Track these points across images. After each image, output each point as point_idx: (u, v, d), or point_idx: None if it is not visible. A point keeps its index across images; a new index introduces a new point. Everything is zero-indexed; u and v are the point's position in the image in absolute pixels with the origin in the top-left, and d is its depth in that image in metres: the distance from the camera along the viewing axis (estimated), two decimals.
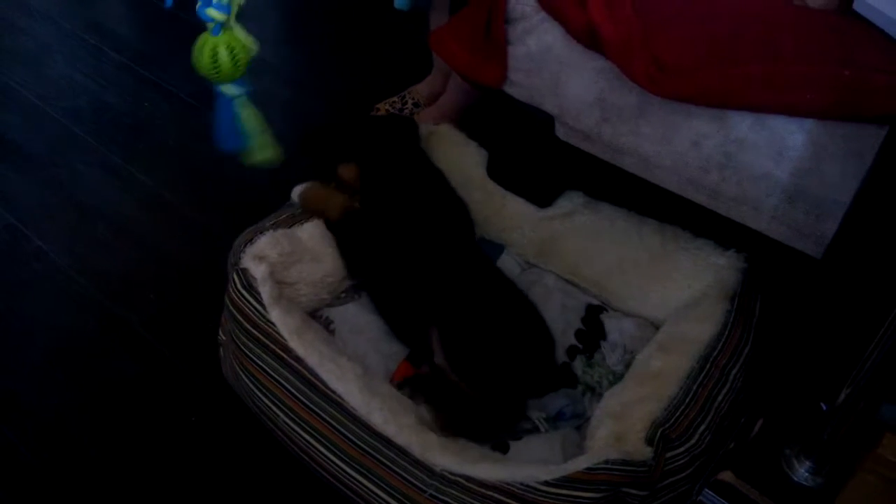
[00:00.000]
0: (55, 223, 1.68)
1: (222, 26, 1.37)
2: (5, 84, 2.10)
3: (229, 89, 1.42)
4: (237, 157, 1.44)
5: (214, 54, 1.37)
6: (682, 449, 1.05)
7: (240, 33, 1.38)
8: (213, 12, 1.35)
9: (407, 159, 1.42)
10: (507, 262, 1.47)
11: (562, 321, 1.36)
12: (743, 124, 1.12)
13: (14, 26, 2.35)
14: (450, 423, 1.12)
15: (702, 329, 1.21)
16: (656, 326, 1.33)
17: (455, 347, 1.20)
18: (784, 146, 1.10)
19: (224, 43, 1.37)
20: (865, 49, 1.09)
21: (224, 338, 1.30)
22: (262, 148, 1.46)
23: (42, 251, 1.61)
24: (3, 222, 1.66)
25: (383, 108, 1.89)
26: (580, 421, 1.23)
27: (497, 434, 1.18)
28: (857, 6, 1.12)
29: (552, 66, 1.27)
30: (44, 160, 1.85)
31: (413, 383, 1.20)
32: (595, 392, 1.27)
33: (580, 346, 1.33)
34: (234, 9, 1.38)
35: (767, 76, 1.09)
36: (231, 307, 1.23)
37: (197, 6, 1.36)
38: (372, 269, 1.35)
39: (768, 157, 1.12)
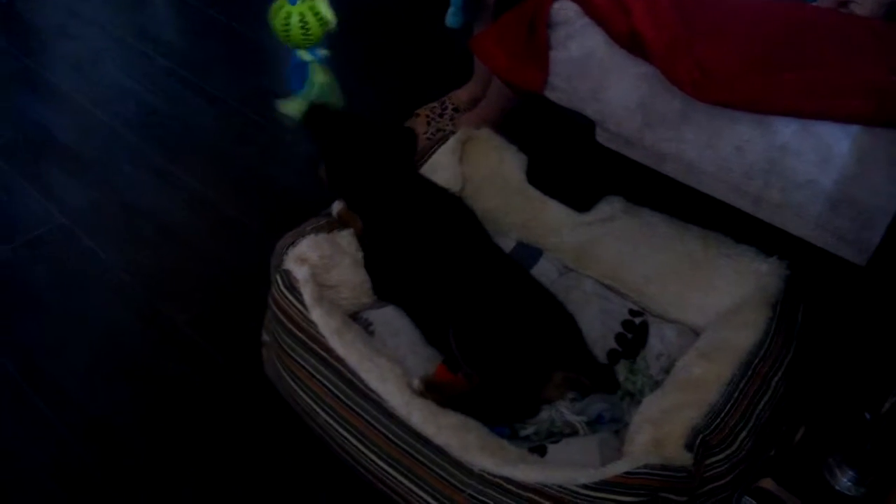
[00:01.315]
0: (103, 224, 1.73)
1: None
2: (57, 88, 2.16)
3: (303, 54, 1.48)
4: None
5: (287, 20, 1.43)
6: (722, 455, 1.04)
7: (321, 4, 1.43)
8: None
9: (394, 176, 1.42)
10: (544, 267, 1.47)
11: (600, 325, 1.36)
12: (787, 130, 1.11)
13: (66, 33, 2.42)
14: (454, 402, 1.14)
15: (743, 336, 1.20)
16: (696, 333, 1.33)
17: (464, 336, 1.22)
18: (829, 153, 1.09)
19: (298, 12, 1.42)
20: None
21: (267, 337, 1.33)
22: (304, 104, 1.50)
23: (91, 250, 1.65)
24: (54, 222, 1.72)
25: (423, 112, 1.91)
26: (619, 426, 1.23)
27: (505, 419, 1.19)
28: None
29: (594, 71, 1.28)
30: (93, 162, 1.90)
31: (437, 390, 1.20)
32: (634, 398, 1.26)
33: (620, 349, 1.33)
34: None
35: (812, 83, 1.08)
36: (274, 307, 1.26)
37: None
38: (394, 287, 1.37)
39: (813, 164, 1.11)
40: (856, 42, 1.14)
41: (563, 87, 1.33)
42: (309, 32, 1.44)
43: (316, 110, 1.46)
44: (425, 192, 1.41)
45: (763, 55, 1.13)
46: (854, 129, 1.06)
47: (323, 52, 1.52)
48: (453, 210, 1.41)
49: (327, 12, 1.44)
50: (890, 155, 1.05)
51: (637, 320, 1.37)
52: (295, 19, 1.42)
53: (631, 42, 1.20)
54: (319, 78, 1.54)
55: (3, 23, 2.46)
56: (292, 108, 1.60)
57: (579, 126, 1.36)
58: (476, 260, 1.35)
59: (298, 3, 1.42)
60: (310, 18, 1.42)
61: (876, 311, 0.92)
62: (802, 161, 1.12)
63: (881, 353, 0.91)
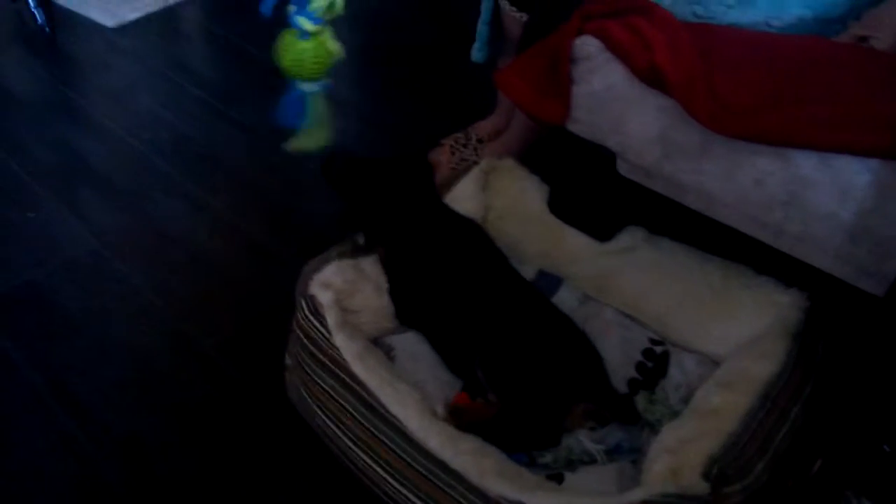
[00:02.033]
0: (135, 248, 1.77)
1: (311, 35, 1.42)
2: (93, 117, 2.23)
3: (309, 86, 1.49)
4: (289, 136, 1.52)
5: (298, 59, 1.43)
6: (738, 486, 1.04)
7: (328, 39, 1.44)
8: (304, 22, 1.38)
9: (416, 207, 1.43)
10: (565, 296, 1.48)
11: (620, 353, 1.36)
12: (807, 163, 1.13)
13: (104, 63, 2.51)
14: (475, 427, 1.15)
15: (762, 367, 1.20)
16: (716, 363, 1.33)
17: (491, 364, 1.24)
18: (848, 185, 1.10)
19: (311, 50, 1.43)
20: None
21: (290, 361, 1.35)
22: (313, 135, 1.51)
23: (122, 274, 1.70)
24: (87, 246, 1.77)
25: (448, 143, 1.95)
26: (637, 455, 1.23)
27: (525, 447, 1.19)
28: None
29: (615, 104, 1.31)
30: (126, 188, 1.95)
31: (459, 415, 1.21)
32: (653, 428, 1.26)
33: (640, 378, 1.33)
34: (329, 17, 1.41)
35: (831, 117, 1.10)
36: (298, 331, 1.29)
37: (290, 10, 1.42)
38: (416, 314, 1.38)
39: (832, 197, 1.12)
40: (875, 77, 1.15)
41: (585, 119, 1.36)
42: (319, 68, 1.47)
43: (332, 160, 1.49)
44: (447, 222, 1.43)
45: (782, 89, 1.15)
46: (873, 162, 1.07)
47: (326, 82, 1.55)
48: (473, 238, 1.43)
49: (334, 45, 1.47)
50: None
51: (658, 349, 1.37)
52: (309, 58, 1.44)
53: (651, 76, 1.23)
54: (319, 108, 1.56)
55: (44, 54, 2.55)
56: (303, 143, 1.62)
57: (601, 157, 1.39)
58: (498, 288, 1.37)
59: (310, 38, 1.44)
60: (321, 54, 1.44)
61: (892, 342, 0.93)
62: (822, 194, 1.13)
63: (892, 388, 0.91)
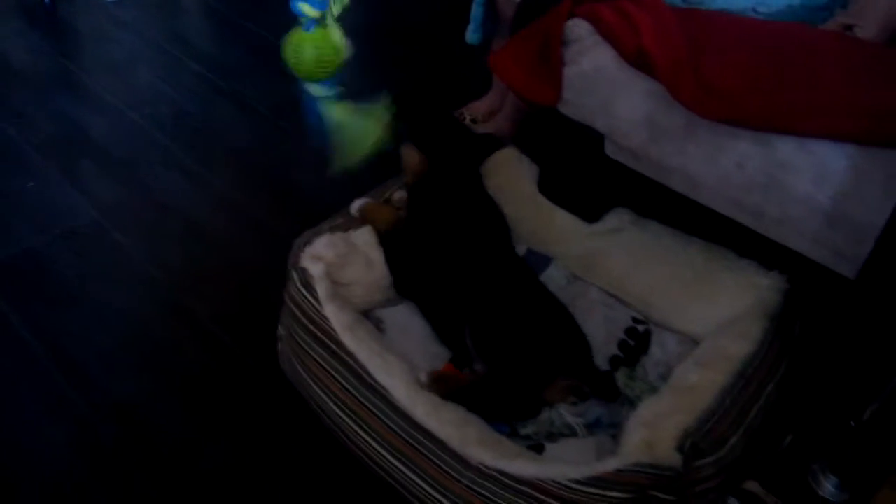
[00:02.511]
0: (134, 219, 1.81)
1: (316, 23, 1.37)
2: (94, 90, 2.26)
3: (315, 89, 1.43)
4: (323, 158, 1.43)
5: (298, 50, 1.38)
6: (711, 459, 1.08)
7: (335, 34, 1.37)
8: (305, 7, 1.35)
9: (461, 176, 1.47)
10: (553, 275, 1.52)
11: (604, 332, 1.40)
12: (786, 147, 1.15)
13: (104, 36, 2.53)
14: (456, 394, 1.19)
15: (740, 346, 1.23)
16: (697, 342, 1.36)
17: (480, 333, 1.28)
18: (826, 170, 1.13)
19: (312, 41, 1.37)
20: None
21: (282, 332, 1.39)
22: (347, 151, 1.48)
23: (120, 244, 1.73)
24: (87, 217, 1.80)
25: None
26: (616, 430, 1.27)
27: (506, 417, 1.24)
28: None
29: (604, 87, 1.33)
30: (126, 161, 1.98)
31: (442, 381, 1.25)
32: (633, 404, 1.30)
33: (622, 355, 1.37)
34: (334, 7, 1.37)
35: (810, 102, 1.12)
36: (289, 303, 1.32)
37: None
38: (415, 282, 1.42)
39: (810, 181, 1.15)
40: (856, 65, 1.18)
41: (575, 101, 1.39)
42: (323, 64, 1.40)
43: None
44: (474, 196, 1.46)
45: (764, 75, 1.17)
46: (850, 147, 1.10)
47: (339, 89, 1.47)
48: (489, 216, 1.46)
49: (340, 41, 1.40)
50: (884, 173, 1.09)
51: (640, 328, 1.41)
52: (309, 49, 1.39)
53: (639, 60, 1.25)
54: (341, 116, 1.49)
55: (45, 27, 2.57)
56: (346, 157, 1.51)
57: (589, 139, 1.41)
58: (496, 265, 1.41)
59: (313, 29, 1.38)
60: (324, 46, 1.38)
61: (861, 323, 0.96)
62: (800, 178, 1.16)
63: (864, 363, 0.95)
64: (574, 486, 1.03)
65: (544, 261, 1.54)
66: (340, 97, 1.43)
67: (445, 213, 1.44)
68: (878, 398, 0.90)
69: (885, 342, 0.92)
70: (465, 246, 1.41)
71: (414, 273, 1.42)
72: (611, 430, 1.27)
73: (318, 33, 1.39)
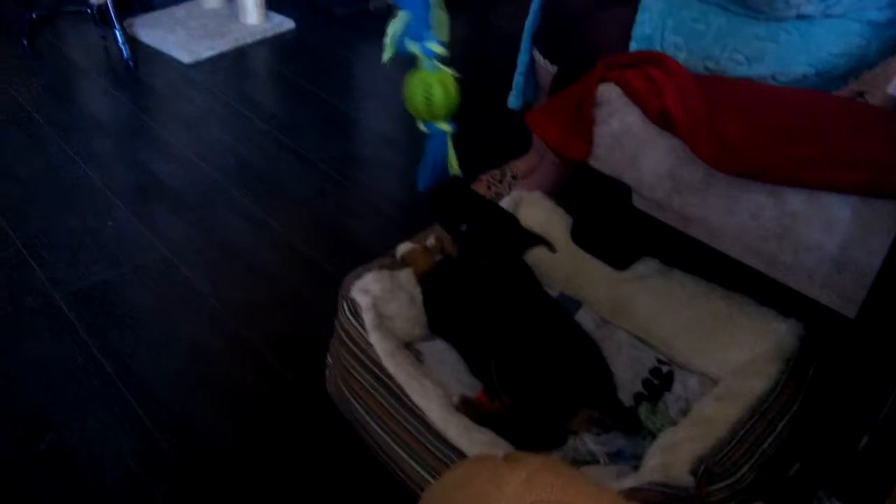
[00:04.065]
0: (200, 258, 1.97)
1: (439, 65, 1.45)
2: (168, 142, 2.47)
3: (442, 125, 1.50)
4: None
5: (428, 91, 1.46)
6: (723, 484, 1.15)
7: (450, 73, 1.45)
8: (435, 46, 1.44)
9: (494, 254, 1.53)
10: (583, 318, 1.62)
11: (630, 371, 1.49)
12: (797, 199, 1.25)
13: (181, 95, 2.76)
14: (489, 422, 1.28)
15: (756, 384, 1.31)
16: (716, 383, 1.44)
17: (504, 367, 1.37)
18: (833, 220, 1.22)
19: (439, 80, 1.45)
20: None
21: (330, 360, 1.51)
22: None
23: (187, 279, 1.89)
24: (157, 254, 1.97)
25: (485, 178, 2.11)
26: (637, 461, 1.34)
27: (533, 446, 1.31)
28: None
29: (631, 144, 1.45)
30: (195, 205, 2.16)
31: (471, 407, 1.35)
32: (655, 437, 1.38)
33: (646, 393, 1.45)
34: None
35: (818, 157, 1.23)
36: (339, 330, 1.45)
37: (411, 44, 1.39)
38: (446, 324, 1.53)
39: (819, 230, 1.24)
40: (862, 124, 1.28)
41: (605, 157, 1.51)
42: (451, 98, 1.45)
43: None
44: (506, 273, 1.52)
45: (777, 134, 1.28)
46: (853, 199, 1.20)
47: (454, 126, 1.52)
48: (519, 273, 1.55)
49: (453, 78, 1.46)
50: (889, 223, 1.18)
51: (664, 368, 1.50)
52: (438, 89, 1.45)
53: (662, 119, 1.37)
54: (454, 161, 1.51)
55: (127, 85, 2.82)
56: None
57: (618, 191, 1.53)
58: (525, 306, 1.50)
59: (438, 71, 1.44)
60: (448, 81, 1.44)
61: (858, 359, 1.04)
62: (810, 227, 1.25)
63: (860, 396, 1.03)
64: None
65: (575, 305, 1.65)
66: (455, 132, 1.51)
67: (478, 278, 1.51)
68: (872, 429, 0.98)
69: (878, 376, 1.00)
70: (492, 295, 1.49)
71: (446, 316, 1.53)
72: (633, 461, 1.34)
73: (441, 73, 1.48)
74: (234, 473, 1.44)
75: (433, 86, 1.46)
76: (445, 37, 1.55)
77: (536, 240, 1.50)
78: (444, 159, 1.57)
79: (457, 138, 1.82)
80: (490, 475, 0.67)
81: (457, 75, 1.46)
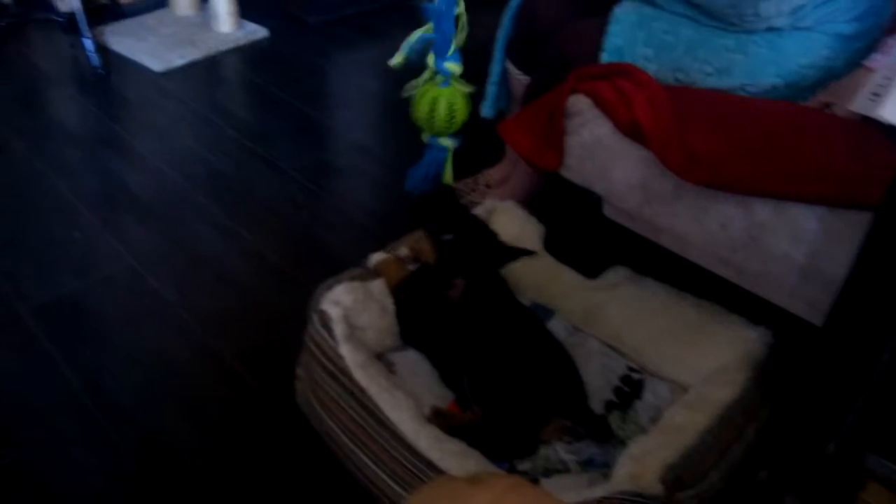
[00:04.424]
0: (168, 267, 1.94)
1: (451, 79, 1.46)
2: (138, 151, 2.44)
3: (445, 141, 1.51)
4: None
5: (433, 106, 1.47)
6: (692, 491, 1.16)
7: (461, 89, 1.47)
8: (452, 66, 1.45)
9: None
10: (555, 326, 1.62)
11: (601, 379, 1.49)
12: (765, 210, 1.27)
13: (151, 104, 2.74)
14: (460, 432, 1.28)
15: (724, 392, 1.32)
16: (686, 390, 1.45)
17: (476, 378, 1.37)
18: (801, 230, 1.24)
19: (446, 97, 1.46)
20: (874, 148, 1.23)
21: (301, 372, 1.50)
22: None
23: (154, 290, 1.87)
24: (125, 264, 1.94)
25: (458, 187, 2.11)
26: (608, 469, 1.35)
27: (505, 455, 1.32)
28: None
29: (602, 154, 1.46)
30: (163, 215, 2.14)
31: (443, 418, 1.34)
32: (625, 445, 1.38)
33: (617, 401, 1.46)
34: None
35: (785, 169, 1.24)
36: (309, 342, 1.44)
37: (430, 61, 1.38)
38: (418, 334, 1.52)
39: (787, 240, 1.26)
40: (828, 136, 1.30)
41: (576, 167, 1.52)
42: (454, 119, 1.47)
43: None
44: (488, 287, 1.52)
45: (745, 146, 1.30)
46: (820, 209, 1.21)
47: (459, 139, 1.53)
48: (492, 283, 1.54)
49: (466, 95, 1.47)
50: (853, 233, 1.19)
51: (635, 376, 1.50)
52: (443, 105, 1.46)
53: (632, 130, 1.38)
54: (448, 165, 1.52)
55: (98, 94, 2.78)
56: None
57: (589, 201, 1.54)
58: (498, 317, 1.50)
59: (447, 87, 1.45)
60: (457, 102, 1.46)
61: (825, 367, 1.05)
62: (778, 237, 1.27)
63: (825, 404, 1.04)
64: None
65: (548, 313, 1.65)
66: (458, 150, 1.52)
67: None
68: (838, 435, 0.99)
69: (844, 383, 1.01)
70: (466, 305, 1.49)
71: (419, 326, 1.52)
72: (604, 468, 1.34)
73: (452, 89, 1.49)
74: (202, 488, 1.42)
75: (439, 102, 1.47)
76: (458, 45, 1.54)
77: (516, 254, 1.51)
78: (438, 170, 1.58)
79: (422, 145, 1.80)
80: (454, 500, 0.66)
81: (471, 89, 1.47)
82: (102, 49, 2.99)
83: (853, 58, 1.49)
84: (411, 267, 1.59)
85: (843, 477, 1.00)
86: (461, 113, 1.46)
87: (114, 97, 2.78)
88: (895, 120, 1.19)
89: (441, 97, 1.45)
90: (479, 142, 2.28)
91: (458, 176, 2.16)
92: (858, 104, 1.21)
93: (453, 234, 1.50)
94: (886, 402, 0.95)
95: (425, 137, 1.80)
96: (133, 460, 1.46)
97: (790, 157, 1.27)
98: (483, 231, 1.54)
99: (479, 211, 1.71)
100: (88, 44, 2.84)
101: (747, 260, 1.31)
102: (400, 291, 1.54)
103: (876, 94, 1.00)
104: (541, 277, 1.67)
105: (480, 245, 1.52)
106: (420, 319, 1.52)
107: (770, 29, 1.49)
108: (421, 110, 1.47)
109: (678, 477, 1.16)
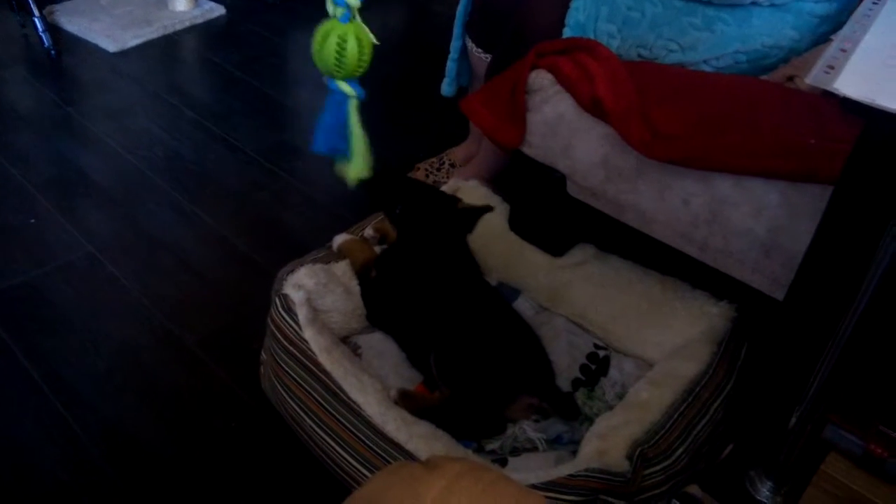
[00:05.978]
0: (127, 253, 1.90)
1: (351, 16, 1.37)
2: (94, 134, 2.38)
3: (346, 87, 1.41)
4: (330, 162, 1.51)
5: (342, 44, 1.36)
6: (659, 467, 1.17)
7: (363, 29, 1.36)
8: None
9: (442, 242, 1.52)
10: (522, 305, 1.62)
11: (568, 357, 1.50)
12: (724, 185, 1.27)
13: (105, 86, 2.66)
14: (428, 414, 1.28)
15: (689, 367, 1.33)
16: (651, 366, 1.46)
17: (442, 360, 1.37)
18: (761, 205, 1.24)
19: (353, 32, 1.36)
20: (834, 123, 1.24)
21: (265, 356, 1.48)
22: (356, 161, 1.48)
23: (114, 276, 1.83)
24: (82, 250, 1.90)
25: (423, 167, 2.10)
26: (576, 447, 1.35)
27: (473, 435, 1.32)
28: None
29: (564, 131, 1.45)
30: (121, 199, 2.09)
31: (409, 399, 1.33)
32: (592, 422, 1.39)
33: (583, 378, 1.46)
34: None
35: (745, 144, 1.24)
36: (272, 326, 1.41)
37: None
38: (385, 315, 1.51)
39: (748, 215, 1.26)
40: (790, 110, 1.30)
41: (539, 144, 1.51)
42: (364, 56, 1.35)
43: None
44: (451, 254, 1.52)
45: (706, 121, 1.29)
46: (781, 184, 1.22)
47: (361, 88, 1.43)
48: (462, 262, 1.53)
49: (368, 32, 1.37)
50: (814, 207, 1.20)
51: (601, 353, 1.51)
52: (352, 41, 1.33)
53: (594, 107, 1.37)
54: (356, 118, 1.45)
55: (49, 75, 2.70)
56: (354, 168, 1.50)
57: (553, 179, 1.53)
58: (464, 296, 1.49)
59: (349, 22, 1.33)
60: (363, 38, 1.35)
61: (786, 340, 1.06)
62: (739, 212, 1.27)
63: (789, 374, 1.05)
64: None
65: (513, 293, 1.65)
66: (361, 99, 1.43)
67: (419, 263, 1.50)
68: (800, 408, 1.00)
69: (805, 357, 1.02)
70: (434, 283, 1.48)
71: (384, 308, 1.51)
72: (571, 446, 1.35)
73: (354, 24, 1.37)
74: (167, 476, 1.40)
75: (348, 38, 1.36)
76: None
77: (477, 213, 1.50)
78: (342, 123, 1.47)
79: (393, 126, 1.76)
80: (408, 484, 0.65)
81: (375, 42, 1.37)
82: (53, 29, 2.90)
83: (818, 41, 1.51)
84: (378, 248, 1.58)
85: (806, 449, 1.01)
86: (369, 53, 1.34)
87: (67, 79, 2.71)
88: (850, 93, 1.19)
89: (349, 33, 1.33)
90: (443, 120, 2.27)
91: (423, 155, 2.14)
92: (814, 77, 1.21)
93: (402, 204, 1.49)
94: (845, 374, 0.96)
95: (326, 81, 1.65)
96: (97, 451, 1.43)
97: (750, 131, 1.27)
98: (440, 197, 1.53)
99: (443, 190, 1.70)
100: (39, 23, 2.75)
101: (710, 236, 1.32)
102: (374, 267, 1.52)
103: (830, 67, 1.00)
104: (506, 257, 1.66)
105: (437, 210, 1.50)
106: (386, 300, 1.51)
107: (754, 3, 1.48)
108: (327, 48, 1.34)
109: (644, 453, 1.16)
